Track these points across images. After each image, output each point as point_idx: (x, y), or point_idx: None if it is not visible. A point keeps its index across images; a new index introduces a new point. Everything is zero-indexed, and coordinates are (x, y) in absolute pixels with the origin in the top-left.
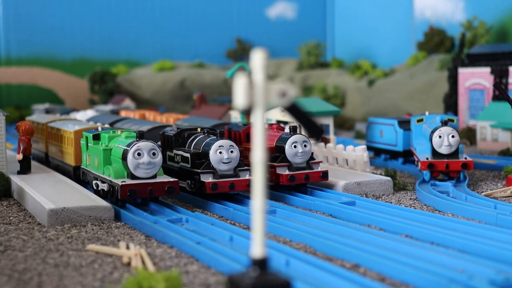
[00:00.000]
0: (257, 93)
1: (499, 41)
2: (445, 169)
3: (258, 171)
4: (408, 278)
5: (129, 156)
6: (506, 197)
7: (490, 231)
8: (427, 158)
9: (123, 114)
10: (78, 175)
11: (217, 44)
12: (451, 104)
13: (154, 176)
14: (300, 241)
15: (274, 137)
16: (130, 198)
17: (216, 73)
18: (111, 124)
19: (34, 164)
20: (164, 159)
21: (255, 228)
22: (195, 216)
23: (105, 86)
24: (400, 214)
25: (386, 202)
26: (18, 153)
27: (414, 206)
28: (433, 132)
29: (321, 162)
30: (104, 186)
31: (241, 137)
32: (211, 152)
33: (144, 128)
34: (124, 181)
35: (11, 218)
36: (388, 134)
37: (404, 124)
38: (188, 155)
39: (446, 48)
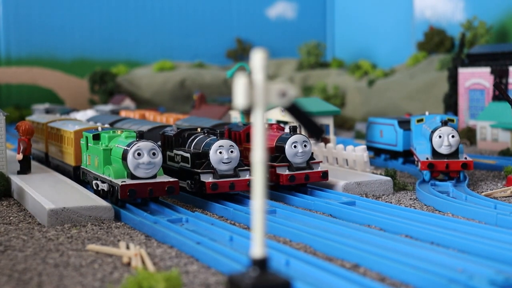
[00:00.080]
0: (257, 93)
1: (499, 41)
2: (445, 169)
3: (258, 171)
4: (408, 278)
5: (129, 156)
6: (506, 197)
7: (490, 231)
8: (427, 158)
9: (123, 114)
10: (78, 175)
11: (217, 44)
12: (451, 104)
13: (154, 176)
14: (300, 241)
15: (274, 137)
16: (130, 198)
17: (216, 73)
18: (111, 124)
19: (34, 164)
20: (164, 159)
21: (255, 228)
22: (195, 216)
23: (105, 86)
24: (400, 214)
25: (386, 202)
26: (18, 153)
27: (414, 206)
28: (433, 132)
29: (321, 162)
30: (104, 186)
31: (241, 137)
32: (211, 152)
33: (144, 128)
34: (124, 181)
35: (11, 218)
36: (388, 134)
37: (404, 124)
38: (188, 155)
39: (446, 48)
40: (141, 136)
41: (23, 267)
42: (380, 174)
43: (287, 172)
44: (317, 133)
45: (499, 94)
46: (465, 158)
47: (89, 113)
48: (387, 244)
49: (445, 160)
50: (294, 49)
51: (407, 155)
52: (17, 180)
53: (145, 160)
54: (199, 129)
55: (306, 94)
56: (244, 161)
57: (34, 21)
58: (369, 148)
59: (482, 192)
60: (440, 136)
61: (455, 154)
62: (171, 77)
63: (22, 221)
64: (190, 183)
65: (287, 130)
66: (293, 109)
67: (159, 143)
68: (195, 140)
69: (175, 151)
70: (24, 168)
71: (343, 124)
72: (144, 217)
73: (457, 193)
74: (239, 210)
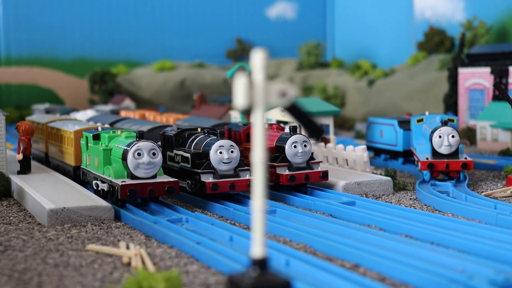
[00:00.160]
0: (257, 93)
1: (499, 41)
2: (445, 169)
3: (258, 171)
4: (408, 278)
5: (129, 156)
6: (506, 197)
7: (490, 231)
8: (427, 158)
9: (123, 114)
10: (78, 175)
11: (217, 44)
12: (451, 104)
13: (154, 176)
14: (300, 241)
15: (274, 137)
16: (130, 198)
17: (216, 73)
18: (111, 124)
19: (34, 164)
20: (164, 159)
21: (255, 228)
22: (195, 216)
23: (105, 86)
24: (400, 214)
25: (386, 202)
26: (18, 153)
27: (414, 206)
28: (433, 132)
29: (321, 162)
30: (104, 186)
31: (241, 137)
32: (212, 152)
33: (145, 128)
34: (124, 181)
35: (11, 218)
36: (388, 134)
37: (404, 124)
38: (188, 155)
39: (446, 48)
40: (141, 136)
41: (23, 267)
42: (380, 174)
43: (287, 172)
44: (317, 133)
45: (499, 94)
46: (465, 158)
47: (89, 113)
48: (387, 244)
49: (445, 160)
50: (294, 49)
51: (407, 155)
52: (17, 180)
53: (145, 160)
54: (199, 129)
55: (306, 94)
56: (244, 161)
57: (34, 21)
58: (369, 148)
59: (482, 192)
60: (440, 136)
61: (455, 154)
62: (171, 77)
63: (22, 221)
64: (190, 183)
65: (287, 130)
66: (293, 109)
67: (159, 143)
68: (195, 140)
69: (175, 151)
70: (24, 168)
71: (343, 124)
72: (144, 217)
73: (457, 193)
74: (239, 210)
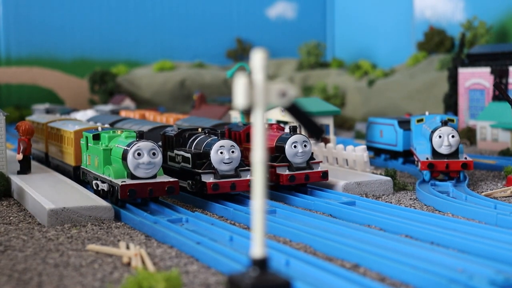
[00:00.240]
0: (257, 93)
1: (499, 41)
2: (445, 169)
3: (258, 171)
4: (408, 278)
5: (129, 156)
6: (506, 197)
7: (490, 231)
8: (427, 158)
9: (123, 114)
10: (78, 175)
11: (217, 44)
12: (451, 104)
13: (154, 176)
14: (300, 241)
15: (274, 137)
16: (130, 198)
17: (216, 73)
18: (112, 124)
19: (34, 164)
20: (165, 159)
21: (255, 228)
22: (195, 216)
23: (105, 86)
24: (400, 214)
25: (386, 202)
26: (18, 153)
27: (414, 206)
28: (433, 132)
29: (321, 162)
30: (104, 186)
31: (241, 137)
32: (212, 152)
33: (145, 128)
34: (124, 181)
35: (11, 218)
36: (388, 134)
37: (404, 124)
38: (189, 155)
39: (446, 48)
40: (141, 136)
41: (23, 267)
42: (380, 174)
43: (287, 172)
44: (317, 133)
45: (499, 94)
46: (465, 158)
47: (89, 113)
48: (387, 244)
49: (445, 160)
50: (294, 49)
51: (407, 155)
52: (17, 180)
53: (145, 160)
54: (200, 129)
55: (306, 94)
56: (245, 161)
57: (34, 21)
58: (369, 148)
59: (482, 192)
60: (440, 136)
61: (455, 154)
62: (171, 77)
63: (22, 221)
64: (191, 184)
65: (287, 130)
66: (293, 109)
67: (159, 143)
68: (196, 140)
69: (175, 151)
70: (24, 168)
71: (343, 124)
72: (144, 217)
73: (457, 193)
74: (239, 210)
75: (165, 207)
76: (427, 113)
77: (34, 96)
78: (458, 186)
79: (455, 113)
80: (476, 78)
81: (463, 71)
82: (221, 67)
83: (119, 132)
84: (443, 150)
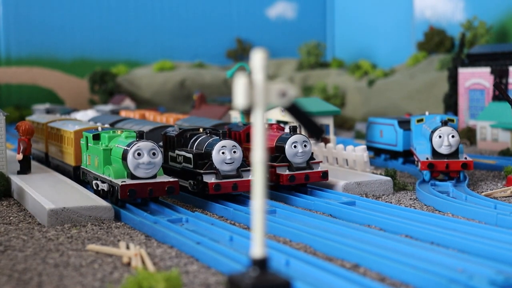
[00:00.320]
0: (257, 93)
1: (499, 41)
2: (445, 169)
3: (258, 171)
4: (408, 278)
5: (129, 156)
6: (506, 197)
7: (490, 231)
8: (427, 158)
9: (123, 114)
10: (78, 175)
11: (217, 44)
12: (451, 104)
13: (154, 176)
14: (300, 241)
15: (274, 137)
16: (130, 198)
17: (216, 73)
18: (113, 125)
19: (34, 164)
20: (166, 160)
21: (255, 228)
22: (195, 216)
23: (105, 86)
24: (400, 214)
25: (386, 202)
26: (18, 153)
27: (414, 206)
28: (433, 132)
29: (321, 162)
30: (104, 186)
31: (241, 137)
32: (214, 153)
33: (146, 128)
34: (124, 181)
35: (11, 218)
36: (388, 134)
37: (404, 124)
38: (190, 155)
39: (446, 48)
40: (141, 136)
41: (23, 267)
42: (380, 174)
43: (287, 172)
44: (317, 133)
45: (499, 94)
46: (465, 158)
47: (90, 113)
48: (387, 244)
49: (445, 160)
50: (294, 49)
51: (407, 155)
52: (17, 180)
53: (145, 160)
54: (201, 129)
55: (306, 94)
56: (245, 161)
57: (34, 21)
58: (369, 148)
59: (482, 192)
60: (440, 136)
61: (455, 154)
62: (171, 77)
63: (22, 221)
64: (192, 184)
65: (287, 130)
66: (293, 109)
67: (161, 143)
68: (198, 141)
69: (177, 152)
70: (24, 168)
71: (343, 124)
72: (144, 217)
73: (457, 193)
74: (239, 210)
75: (165, 207)
76: (427, 113)
77: (34, 96)
78: (458, 186)
79: (455, 113)
80: (476, 78)
81: (463, 71)
82: (221, 67)
83: (119, 132)
84: (443, 150)
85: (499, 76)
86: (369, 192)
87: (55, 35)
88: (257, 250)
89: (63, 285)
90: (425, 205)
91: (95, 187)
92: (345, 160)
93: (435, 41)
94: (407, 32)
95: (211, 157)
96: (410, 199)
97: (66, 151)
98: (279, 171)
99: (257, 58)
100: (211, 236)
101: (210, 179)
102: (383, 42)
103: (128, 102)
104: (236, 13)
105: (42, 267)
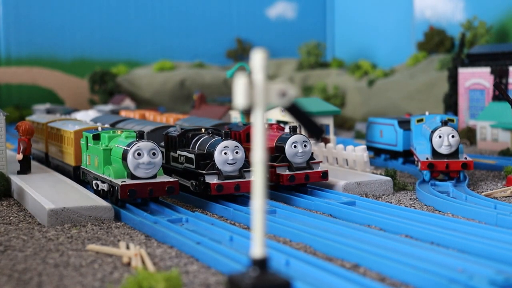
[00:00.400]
0: (257, 93)
1: (499, 41)
2: (445, 169)
3: (258, 171)
4: (408, 278)
5: (129, 156)
6: (506, 197)
7: (490, 231)
8: (427, 158)
9: (123, 114)
10: (78, 175)
11: (217, 44)
12: (451, 104)
13: (154, 176)
14: (300, 241)
15: (274, 137)
16: (130, 198)
17: (216, 73)
18: (114, 125)
19: (34, 164)
20: (168, 160)
21: (255, 228)
22: (195, 216)
23: (105, 86)
24: (400, 214)
25: (386, 202)
26: (18, 153)
27: (414, 206)
28: (433, 132)
29: (321, 162)
30: (104, 186)
31: (241, 137)
32: (216, 153)
33: (148, 128)
34: (124, 181)
35: (11, 218)
36: (388, 134)
37: (404, 124)
38: (192, 156)
39: (446, 48)
40: (141, 136)
41: (23, 267)
42: (380, 174)
43: (287, 172)
44: (317, 133)
45: (499, 94)
46: (465, 158)
47: (91, 113)
48: (387, 244)
49: (445, 160)
50: (294, 49)
51: (407, 155)
52: (17, 180)
53: (145, 160)
54: (203, 130)
55: (306, 94)
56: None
57: (34, 21)
58: (369, 148)
59: (482, 192)
60: (440, 136)
61: (455, 154)
62: (171, 77)
63: (22, 221)
64: (194, 184)
65: (287, 130)
66: (293, 109)
67: (162, 143)
68: (200, 141)
69: (179, 152)
70: (24, 168)
71: (343, 124)
72: (144, 217)
73: (457, 193)
74: (239, 210)
75: (165, 207)
76: (427, 113)
77: (34, 96)
78: (458, 186)
79: (455, 113)
80: (476, 78)
81: (463, 71)
82: (221, 67)
83: (119, 132)
84: (443, 150)
85: (499, 76)
86: (369, 192)
87: (55, 35)
88: (257, 250)
89: (63, 285)
90: (425, 205)
91: (95, 187)
92: (345, 160)
93: (435, 41)
94: (407, 32)
95: (213, 157)
96: (410, 199)
97: (66, 151)
98: (279, 171)
99: (257, 58)
100: (211, 236)
101: (212, 179)
102: (383, 42)
103: (128, 102)
104: (236, 13)
105: (42, 267)
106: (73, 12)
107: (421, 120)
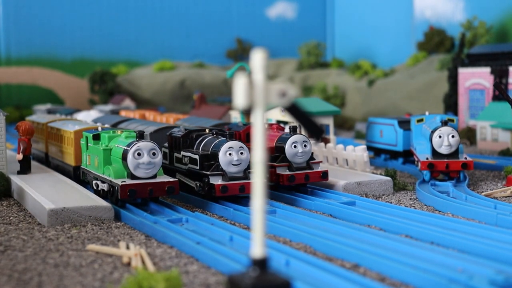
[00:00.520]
0: (257, 93)
1: (499, 41)
2: (445, 169)
3: (258, 171)
4: (408, 278)
5: (129, 156)
6: (506, 197)
7: (490, 231)
8: (427, 158)
9: (123, 114)
10: (78, 175)
11: (217, 44)
12: (451, 104)
13: (154, 176)
14: (300, 241)
15: (274, 137)
16: (130, 198)
17: (216, 73)
18: (117, 125)
19: (34, 164)
20: (172, 161)
21: (255, 228)
22: (195, 216)
23: (105, 86)
24: (400, 214)
25: (386, 202)
26: (18, 153)
27: (414, 206)
28: (433, 132)
29: (321, 162)
30: (104, 186)
31: (241, 137)
32: (221, 154)
33: (151, 129)
34: (124, 181)
35: (11, 218)
36: (388, 134)
37: (404, 124)
38: (196, 156)
39: (446, 48)
40: (141, 136)
41: (23, 267)
42: (380, 174)
43: (287, 172)
44: (317, 133)
45: (499, 94)
46: (465, 158)
47: (93, 113)
48: (387, 244)
49: (445, 160)
50: (294, 49)
51: (407, 155)
52: (17, 180)
53: (145, 160)
54: (207, 130)
55: (306, 94)
56: None
57: (34, 21)
58: (369, 148)
59: (482, 192)
60: (440, 136)
61: (455, 154)
62: (171, 77)
63: (22, 221)
64: (198, 186)
65: (287, 130)
66: (293, 109)
67: (166, 144)
68: (204, 141)
69: (182, 153)
70: (24, 168)
71: (343, 124)
72: (144, 217)
73: (457, 193)
74: (239, 210)
75: (165, 207)
76: (427, 113)
77: (34, 96)
78: (458, 186)
79: (455, 113)
80: (476, 78)
81: (463, 71)
82: (221, 67)
83: (119, 132)
84: (443, 150)
85: (499, 76)
86: (369, 192)
87: (55, 35)
88: (257, 250)
89: (63, 285)
90: (425, 205)
91: (95, 187)
92: (345, 160)
93: (435, 41)
94: (407, 32)
95: (218, 158)
96: (410, 199)
97: (66, 151)
98: (279, 171)
99: (257, 58)
100: (211, 236)
101: (217, 180)
102: (383, 42)
103: (128, 102)
104: (236, 13)
105: (42, 267)
106: (73, 12)
107: (421, 120)
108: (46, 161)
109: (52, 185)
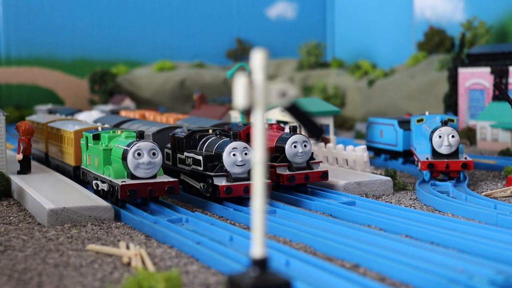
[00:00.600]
0: (257, 93)
1: (499, 41)
2: (445, 169)
3: (258, 171)
4: (408, 278)
5: (129, 156)
6: (506, 197)
7: (490, 231)
8: (427, 158)
9: (123, 114)
10: (78, 175)
11: (217, 44)
12: (451, 104)
13: (154, 176)
14: (300, 241)
15: (274, 137)
16: (130, 198)
17: (216, 73)
18: (119, 125)
19: (34, 164)
20: (175, 162)
21: (255, 228)
22: (195, 216)
23: (105, 86)
24: (400, 214)
25: (386, 202)
26: (18, 153)
27: (414, 206)
28: (433, 132)
29: (321, 162)
30: (104, 186)
31: (241, 137)
32: (225, 155)
33: (153, 129)
34: (124, 181)
35: (11, 218)
36: (388, 134)
37: (404, 124)
38: (200, 157)
39: (446, 48)
40: (141, 136)
41: (23, 267)
42: (380, 174)
43: (287, 172)
44: (317, 133)
45: (499, 94)
46: (465, 158)
47: (94, 114)
48: (387, 244)
49: (445, 160)
50: (294, 49)
51: (407, 155)
52: (17, 180)
53: (145, 160)
54: (210, 131)
55: (306, 94)
56: None
57: (34, 21)
58: (369, 148)
59: (482, 192)
60: (440, 136)
61: (455, 154)
62: (171, 77)
63: (22, 221)
64: (202, 187)
65: (287, 130)
66: (293, 109)
67: (169, 145)
68: (207, 142)
69: (186, 154)
70: (24, 168)
71: (343, 124)
72: (144, 217)
73: (457, 193)
74: (239, 210)
75: (165, 207)
76: (427, 113)
77: (34, 96)
78: (458, 186)
79: (455, 113)
80: (476, 78)
81: (463, 71)
82: (221, 67)
83: (119, 132)
84: (443, 150)
85: (499, 76)
86: (369, 192)
87: (55, 35)
88: (257, 250)
89: (63, 285)
90: (425, 205)
91: (95, 187)
92: (345, 160)
93: (435, 41)
94: (407, 32)
95: (222, 159)
96: (410, 199)
97: (66, 151)
98: (279, 171)
99: (257, 58)
100: (211, 236)
101: (221, 182)
102: (383, 42)
103: (128, 102)
104: (236, 13)
105: (42, 267)
106: (73, 12)
107: (421, 120)
108: (46, 161)
109: (52, 185)
